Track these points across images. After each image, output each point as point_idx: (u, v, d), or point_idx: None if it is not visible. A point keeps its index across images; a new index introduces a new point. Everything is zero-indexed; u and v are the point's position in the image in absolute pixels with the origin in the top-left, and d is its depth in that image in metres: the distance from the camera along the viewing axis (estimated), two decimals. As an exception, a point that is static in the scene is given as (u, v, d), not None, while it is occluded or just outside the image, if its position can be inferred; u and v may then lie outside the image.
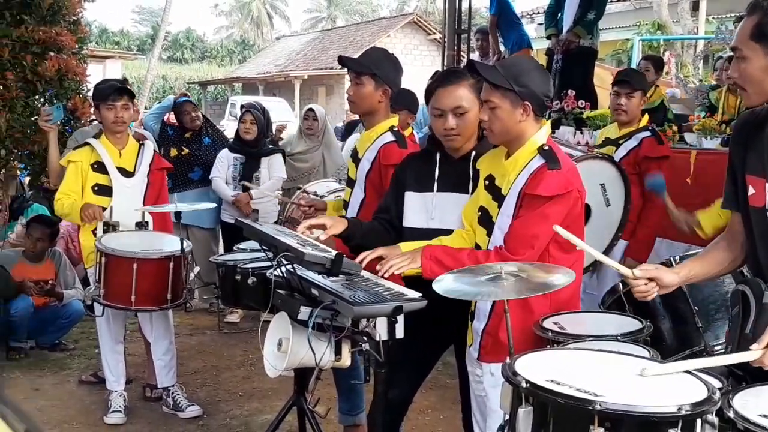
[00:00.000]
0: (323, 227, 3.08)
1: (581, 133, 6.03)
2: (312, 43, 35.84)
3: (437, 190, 3.16)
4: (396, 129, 3.61)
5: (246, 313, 6.40)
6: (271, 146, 6.56)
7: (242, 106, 6.69)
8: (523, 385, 1.91)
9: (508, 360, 2.08)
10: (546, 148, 2.75)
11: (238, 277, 3.94)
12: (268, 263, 3.64)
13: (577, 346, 2.44)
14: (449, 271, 2.56)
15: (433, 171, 3.18)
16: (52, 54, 5.42)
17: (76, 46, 5.66)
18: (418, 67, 27.00)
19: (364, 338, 2.68)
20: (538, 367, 2.01)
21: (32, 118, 5.37)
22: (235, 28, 59.28)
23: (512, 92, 2.71)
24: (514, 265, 2.41)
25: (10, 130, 5.23)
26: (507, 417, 2.10)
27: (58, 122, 4.83)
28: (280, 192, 6.93)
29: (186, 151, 6.37)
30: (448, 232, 3.06)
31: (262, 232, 3.14)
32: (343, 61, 3.59)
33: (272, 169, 6.39)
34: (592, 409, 1.79)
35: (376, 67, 3.49)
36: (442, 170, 3.17)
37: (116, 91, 4.42)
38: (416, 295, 2.69)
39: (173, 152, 6.38)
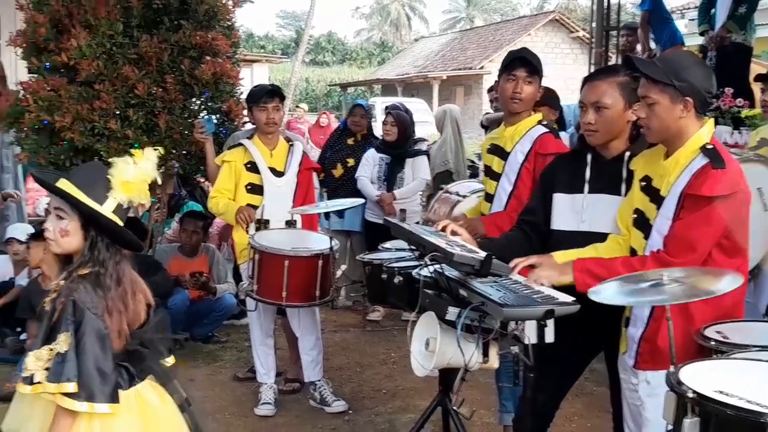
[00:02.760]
0: None
1: (739, 133, 5.74)
2: (450, 43, 35.84)
3: (588, 192, 3.09)
4: (546, 123, 3.68)
5: (388, 312, 6.47)
6: (416, 148, 6.61)
7: (386, 108, 6.77)
8: (690, 395, 1.83)
9: (671, 369, 1.99)
10: (710, 146, 2.62)
11: (384, 275, 3.98)
12: (414, 263, 3.67)
13: (745, 357, 2.31)
14: (603, 281, 2.49)
15: (584, 172, 3.11)
16: (208, 58, 5.64)
17: (231, 50, 5.87)
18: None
19: (514, 341, 2.65)
20: (704, 377, 1.93)
21: (189, 120, 5.61)
22: (375, 30, 60.13)
23: (672, 87, 2.61)
24: (678, 270, 2.31)
25: (169, 131, 5.48)
26: (669, 427, 2.01)
27: (212, 132, 5.09)
28: (423, 193, 6.97)
29: (352, 162, 6.49)
30: (598, 234, 2.98)
31: (410, 232, 3.16)
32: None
33: (416, 171, 6.43)
34: (764, 422, 1.70)
35: (539, 66, 3.59)
36: (594, 171, 3.09)
37: (267, 93, 4.60)
38: (569, 299, 2.63)
39: (338, 170, 6.54)
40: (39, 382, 2.21)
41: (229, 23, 5.98)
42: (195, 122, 5.24)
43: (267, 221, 4.48)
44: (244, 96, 5.89)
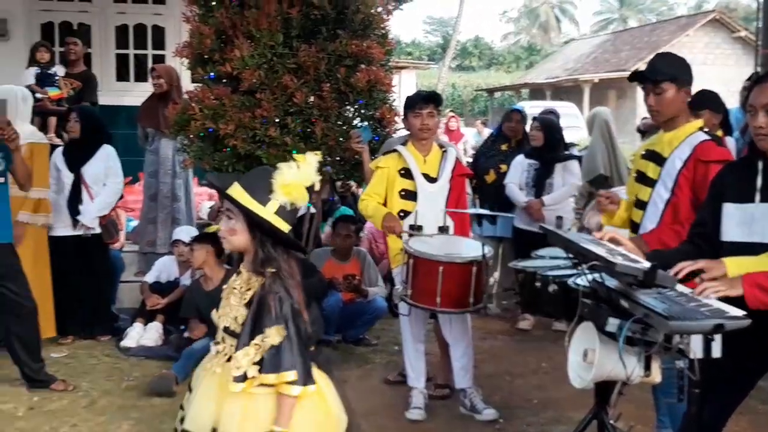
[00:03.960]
0: None
1: None
2: (602, 45, 34.91)
3: (760, 201, 2.92)
4: (707, 130, 3.56)
5: (537, 321, 6.37)
6: (566, 152, 6.48)
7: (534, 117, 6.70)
8: None
9: None
10: None
11: (537, 283, 3.92)
12: (569, 271, 3.59)
13: None
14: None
15: (755, 180, 2.94)
16: (362, 66, 5.76)
17: (384, 58, 5.97)
18: (719, 66, 25.26)
19: (678, 355, 2.55)
20: None
21: (344, 127, 5.74)
22: (523, 33, 59.45)
23: None
24: None
25: (325, 138, 5.63)
26: None
27: (368, 141, 5.21)
28: (575, 198, 6.82)
29: (505, 168, 6.47)
30: (771, 247, 2.82)
31: (568, 239, 3.10)
32: (636, 75, 3.56)
33: (567, 176, 6.31)
34: None
35: (675, 69, 3.48)
36: (766, 179, 2.92)
37: (423, 99, 4.64)
38: (739, 312, 2.50)
39: (490, 176, 6.52)
40: (253, 377, 2.41)
41: (384, 31, 6.08)
42: (351, 133, 5.37)
43: (420, 227, 4.51)
44: (396, 103, 5.99)
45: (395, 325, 5.86)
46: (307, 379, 2.44)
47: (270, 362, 2.40)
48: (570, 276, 3.57)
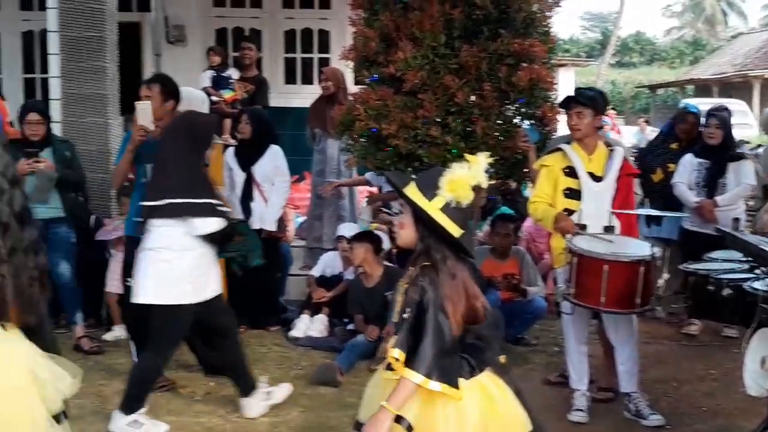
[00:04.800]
0: None
1: None
2: (775, 39, 32.83)
3: None
4: None
5: (705, 326, 6.12)
6: (739, 151, 6.19)
7: (709, 110, 6.41)
8: None
9: None
10: None
11: (710, 287, 3.79)
12: (746, 275, 3.45)
13: None
14: None
15: None
16: (524, 64, 5.73)
17: (546, 56, 5.91)
18: None
19: None
20: None
21: (504, 126, 5.74)
22: (687, 28, 56.82)
23: None
24: None
25: (485, 137, 5.64)
26: None
27: (535, 141, 5.21)
28: (746, 200, 6.50)
29: (673, 167, 6.28)
30: None
31: (747, 242, 2.98)
32: None
33: (740, 175, 6.02)
34: None
35: None
36: None
37: (570, 99, 4.61)
38: None
39: (657, 175, 6.34)
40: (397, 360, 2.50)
41: (546, 29, 6.02)
42: (518, 131, 5.37)
43: (584, 226, 4.46)
44: (557, 101, 5.93)
45: (555, 325, 5.81)
46: (433, 373, 2.45)
47: (398, 340, 2.50)
48: (746, 280, 3.44)
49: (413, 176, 2.78)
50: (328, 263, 6.58)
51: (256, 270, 6.22)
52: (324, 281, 6.42)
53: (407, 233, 2.62)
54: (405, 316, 2.50)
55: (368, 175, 7.01)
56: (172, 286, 4.24)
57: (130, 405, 4.29)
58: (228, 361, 4.65)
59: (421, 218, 2.56)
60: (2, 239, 2.10)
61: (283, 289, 6.86)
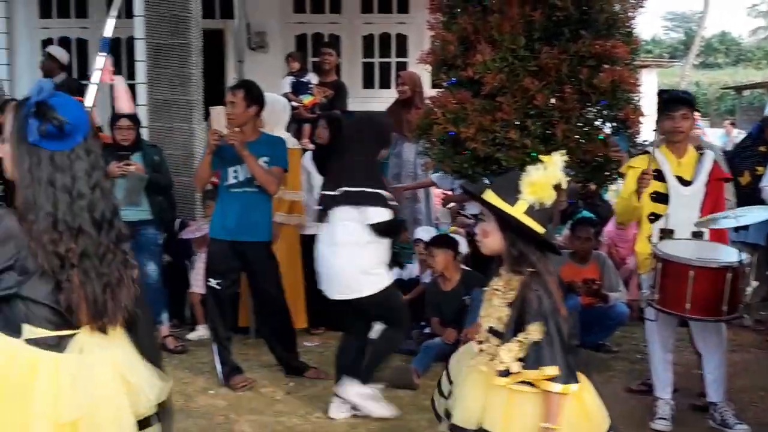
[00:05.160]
0: None
1: None
2: None
3: None
4: None
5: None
6: None
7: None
8: None
9: None
10: None
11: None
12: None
13: None
14: None
15: None
16: (606, 66, 5.64)
17: (629, 57, 5.80)
18: None
19: None
20: None
21: (585, 129, 5.65)
22: (774, 27, 54.93)
23: None
24: None
25: (565, 140, 5.57)
26: None
27: (626, 150, 5.13)
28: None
29: (761, 170, 6.09)
30: None
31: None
32: None
33: None
34: None
35: None
36: None
37: (677, 101, 4.49)
38: None
39: (745, 178, 6.17)
40: (516, 373, 2.48)
41: (629, 30, 5.91)
42: (609, 141, 5.29)
43: (671, 231, 4.36)
44: (640, 103, 5.81)
45: (638, 332, 5.70)
46: (569, 377, 2.47)
47: (531, 358, 2.46)
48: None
49: (486, 182, 2.78)
50: (406, 266, 6.60)
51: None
52: (401, 284, 6.43)
53: (493, 241, 2.60)
54: (532, 329, 2.47)
55: (434, 177, 7.00)
56: (371, 274, 4.41)
57: (368, 375, 4.55)
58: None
59: (509, 224, 2.55)
60: (74, 243, 2.14)
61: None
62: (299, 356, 5.39)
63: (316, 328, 6.29)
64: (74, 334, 2.19)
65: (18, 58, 10.44)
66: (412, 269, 6.52)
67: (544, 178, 2.55)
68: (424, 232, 6.53)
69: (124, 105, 5.04)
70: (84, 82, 9.73)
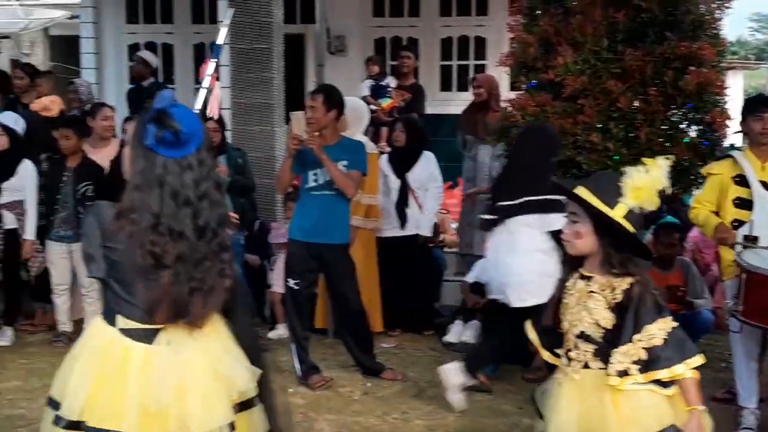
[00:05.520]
0: None
1: None
2: None
3: None
4: None
5: None
6: None
7: None
8: None
9: None
10: None
11: None
12: None
13: None
14: None
15: None
16: (692, 68, 5.52)
17: (716, 59, 5.66)
18: None
19: None
20: None
21: (669, 132, 5.54)
22: None
23: None
24: None
25: (649, 143, 5.47)
26: None
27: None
28: None
29: None
30: None
31: None
32: None
33: None
34: None
35: None
36: None
37: (763, 102, 4.37)
38: None
39: None
40: (631, 374, 2.48)
41: (715, 31, 5.77)
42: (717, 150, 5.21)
43: (756, 238, 4.23)
44: (726, 106, 5.67)
45: (722, 340, 5.56)
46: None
47: (668, 354, 2.46)
48: None
49: (575, 183, 2.74)
50: (483, 270, 6.56)
51: (411, 275, 6.38)
52: (478, 288, 6.41)
53: (585, 242, 2.56)
54: (654, 329, 2.47)
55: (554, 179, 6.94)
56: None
57: (475, 369, 4.70)
58: None
59: (607, 227, 2.51)
60: (172, 246, 2.23)
61: (437, 294, 6.93)
62: (376, 357, 5.42)
63: (393, 330, 6.33)
64: (161, 328, 2.28)
65: (105, 63, 10.81)
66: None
67: (649, 182, 2.50)
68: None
69: (214, 111, 5.20)
70: (169, 86, 10.07)
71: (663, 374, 2.46)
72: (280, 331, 6.23)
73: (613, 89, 5.47)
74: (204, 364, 2.29)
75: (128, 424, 2.18)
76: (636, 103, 5.54)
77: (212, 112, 5.22)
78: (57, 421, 2.26)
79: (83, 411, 2.22)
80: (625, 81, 5.51)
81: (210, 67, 4.70)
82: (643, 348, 2.46)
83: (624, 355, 2.47)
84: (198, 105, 4.49)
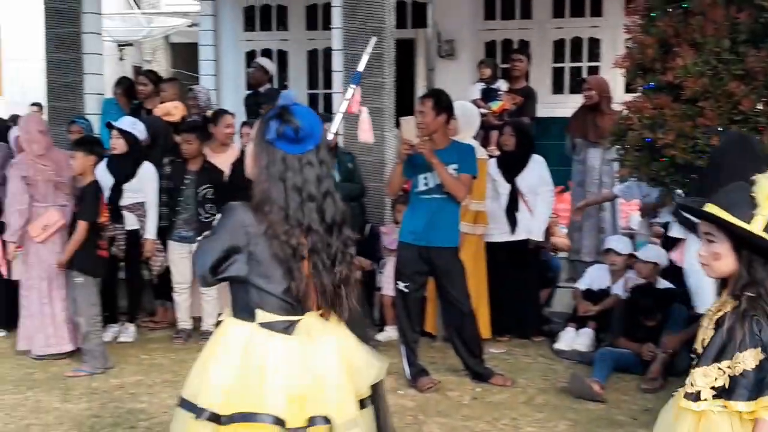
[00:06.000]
0: None
1: None
2: None
3: None
4: None
5: None
6: None
7: None
8: None
9: None
10: None
11: None
12: None
13: None
14: None
15: None
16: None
17: None
18: None
19: None
20: None
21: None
22: None
23: None
24: None
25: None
26: None
27: None
28: None
29: None
30: None
31: None
32: None
33: None
34: None
35: None
36: None
37: None
38: None
39: None
40: (705, 400, 2.31)
41: None
42: None
43: None
44: None
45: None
46: None
47: (747, 387, 2.25)
48: None
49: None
50: (595, 276, 6.43)
51: (521, 280, 6.32)
52: (590, 295, 6.30)
53: (725, 263, 2.35)
54: (743, 357, 2.25)
55: (617, 190, 6.76)
56: None
57: None
58: None
59: (748, 245, 2.31)
60: (303, 238, 2.34)
61: (549, 300, 6.84)
62: (485, 362, 5.40)
63: (502, 335, 6.28)
64: (300, 320, 2.38)
65: (223, 69, 11.18)
66: (602, 279, 6.34)
67: None
68: (617, 242, 6.35)
69: (367, 135, 5.36)
70: (285, 89, 10.30)
71: (741, 407, 2.24)
72: (389, 332, 6.29)
73: (735, 91, 5.26)
74: (339, 355, 2.38)
75: (272, 406, 2.28)
76: (759, 106, 5.32)
77: (364, 137, 5.36)
78: (198, 413, 2.32)
79: (227, 401, 2.30)
80: (748, 83, 5.29)
81: (348, 92, 4.87)
82: (723, 376, 2.28)
83: (702, 377, 2.30)
84: (333, 129, 4.63)
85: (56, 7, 8.22)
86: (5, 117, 9.20)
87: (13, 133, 6.58)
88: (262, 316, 2.36)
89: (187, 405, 2.39)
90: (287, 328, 2.37)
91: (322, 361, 2.35)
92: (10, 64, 16.00)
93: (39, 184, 5.87)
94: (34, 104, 13.16)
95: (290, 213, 2.32)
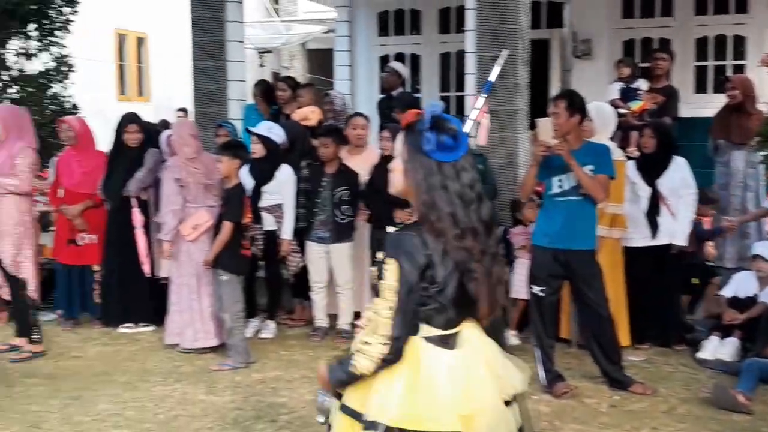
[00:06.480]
0: None
1: None
2: None
3: None
4: None
5: None
6: None
7: None
8: None
9: None
10: None
11: None
12: None
13: None
14: None
15: None
16: None
17: None
18: None
19: None
20: None
21: None
22: None
23: None
24: None
25: None
26: None
27: None
28: None
29: None
30: None
31: None
32: None
33: None
34: None
35: None
36: None
37: None
38: None
39: None
40: None
41: None
42: None
43: None
44: None
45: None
46: None
47: None
48: None
49: None
50: (741, 283, 6.15)
51: (662, 286, 6.12)
52: (736, 302, 6.03)
53: None
54: None
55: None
56: None
57: None
58: None
59: None
60: (473, 242, 2.36)
61: (693, 307, 6.59)
62: (624, 370, 5.26)
63: (642, 343, 6.10)
64: (458, 332, 2.40)
65: (358, 74, 11.39)
66: (749, 286, 6.05)
67: None
68: (765, 248, 6.05)
69: (483, 140, 5.80)
70: (416, 95, 10.38)
71: None
72: (515, 336, 6.24)
73: None
74: (486, 366, 2.40)
75: (448, 424, 2.28)
76: None
77: (482, 141, 5.49)
78: (371, 426, 2.32)
79: (400, 416, 2.30)
80: None
81: (479, 101, 4.95)
82: None
83: None
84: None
85: (202, 17, 8.59)
86: (155, 122, 9.70)
87: (164, 135, 6.94)
88: (426, 330, 2.37)
89: (349, 411, 2.40)
90: (447, 342, 2.38)
91: (478, 374, 2.35)
92: (157, 70, 16.90)
93: (191, 186, 6.17)
94: (180, 109, 13.83)
95: (459, 218, 2.34)
